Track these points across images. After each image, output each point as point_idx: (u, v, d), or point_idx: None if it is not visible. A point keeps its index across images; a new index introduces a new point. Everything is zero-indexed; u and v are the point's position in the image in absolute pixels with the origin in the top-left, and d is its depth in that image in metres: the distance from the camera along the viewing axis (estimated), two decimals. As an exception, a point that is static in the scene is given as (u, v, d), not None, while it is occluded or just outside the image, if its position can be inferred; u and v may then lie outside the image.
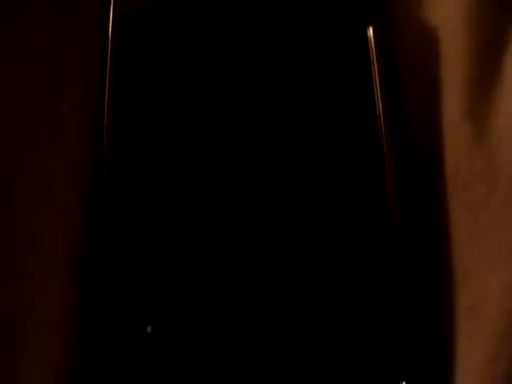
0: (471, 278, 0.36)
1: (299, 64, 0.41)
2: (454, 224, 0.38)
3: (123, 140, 0.39)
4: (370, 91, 0.41)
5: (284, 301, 0.37)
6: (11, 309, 0.34)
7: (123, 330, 0.36)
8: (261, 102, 0.40)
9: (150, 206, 0.38)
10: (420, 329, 0.37)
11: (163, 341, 0.36)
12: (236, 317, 0.37)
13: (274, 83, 0.40)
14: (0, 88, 0.37)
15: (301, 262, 0.38)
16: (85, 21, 0.41)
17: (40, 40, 0.39)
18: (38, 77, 0.39)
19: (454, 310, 0.37)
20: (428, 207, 0.40)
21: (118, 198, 0.38)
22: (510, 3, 0.37)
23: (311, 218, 0.38)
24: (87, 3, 0.41)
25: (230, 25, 0.41)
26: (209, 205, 0.38)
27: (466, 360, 0.35)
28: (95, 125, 0.40)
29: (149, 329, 0.35)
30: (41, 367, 0.34)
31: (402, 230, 0.39)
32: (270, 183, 0.39)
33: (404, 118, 0.41)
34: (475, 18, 0.38)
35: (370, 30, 0.41)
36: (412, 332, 0.37)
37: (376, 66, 0.41)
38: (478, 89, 0.37)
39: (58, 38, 0.40)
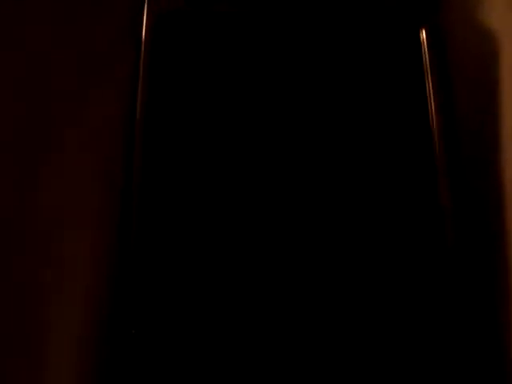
0: None
1: (348, 67, 0.38)
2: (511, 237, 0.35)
3: (155, 143, 0.36)
4: (422, 97, 0.38)
5: (323, 306, 0.34)
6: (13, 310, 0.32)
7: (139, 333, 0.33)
8: (307, 105, 0.37)
9: (181, 209, 0.35)
10: (477, 337, 0.34)
11: (178, 343, 0.33)
12: (257, 320, 0.34)
13: (322, 86, 0.38)
14: (30, 87, 0.35)
15: (349, 270, 0.35)
16: (120, 21, 0.40)
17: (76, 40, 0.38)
18: (67, 78, 0.37)
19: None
20: (484, 220, 0.37)
21: (147, 205, 0.35)
22: None
23: (360, 225, 0.35)
24: (123, 3, 0.40)
25: (272, 25, 0.39)
26: (246, 212, 0.35)
27: None
28: (126, 128, 0.37)
29: (133, 331, 0.33)
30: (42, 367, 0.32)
31: (456, 241, 0.36)
32: (316, 187, 0.36)
33: (459, 127, 0.39)
34: None
35: (423, 32, 0.39)
36: (469, 341, 0.34)
37: (429, 71, 0.38)
38: None
39: (92, 40, 0.38)
